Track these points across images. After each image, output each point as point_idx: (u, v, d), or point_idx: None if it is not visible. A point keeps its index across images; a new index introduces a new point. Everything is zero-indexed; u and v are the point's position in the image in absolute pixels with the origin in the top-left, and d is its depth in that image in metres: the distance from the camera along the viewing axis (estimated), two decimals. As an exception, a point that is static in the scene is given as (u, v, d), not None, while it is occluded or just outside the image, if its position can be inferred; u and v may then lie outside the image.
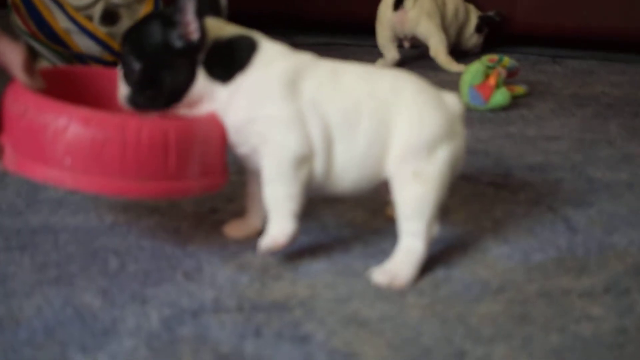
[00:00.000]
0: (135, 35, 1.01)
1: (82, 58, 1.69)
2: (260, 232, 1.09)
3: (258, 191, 1.08)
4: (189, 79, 1.00)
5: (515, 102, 1.87)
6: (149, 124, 0.95)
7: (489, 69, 1.82)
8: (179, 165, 0.96)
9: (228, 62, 1.00)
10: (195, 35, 0.98)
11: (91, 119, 0.93)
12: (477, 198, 1.25)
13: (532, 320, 0.90)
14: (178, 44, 0.98)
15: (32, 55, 1.71)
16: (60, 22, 1.67)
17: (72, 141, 0.93)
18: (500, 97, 1.79)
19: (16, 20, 1.71)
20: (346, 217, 1.17)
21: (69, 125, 0.93)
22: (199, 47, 0.99)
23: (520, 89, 1.92)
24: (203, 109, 1.02)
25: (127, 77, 1.02)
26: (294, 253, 1.05)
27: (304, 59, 1.03)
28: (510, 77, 1.88)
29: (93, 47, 1.68)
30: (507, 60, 1.87)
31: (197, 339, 0.85)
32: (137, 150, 0.93)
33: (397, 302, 0.93)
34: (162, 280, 0.97)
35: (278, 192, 1.00)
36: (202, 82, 1.00)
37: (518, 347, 0.84)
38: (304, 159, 0.99)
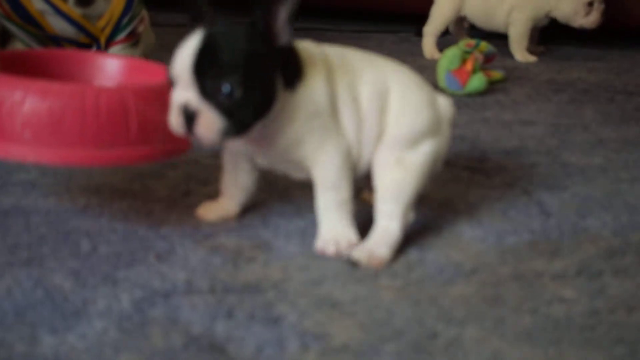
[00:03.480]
0: (225, 51, 0.91)
1: (56, 40, 1.67)
2: (234, 216, 1.09)
3: (236, 174, 1.08)
4: (275, 89, 0.94)
5: (492, 87, 1.87)
6: (107, 90, 0.94)
7: (466, 54, 1.82)
8: (140, 130, 0.95)
9: (293, 70, 0.96)
10: (285, 38, 0.93)
11: (48, 90, 0.92)
12: (452, 182, 1.25)
13: (504, 302, 0.90)
14: (284, 40, 0.93)
15: (6, 37, 1.69)
16: (35, 4, 1.65)
17: (29, 114, 0.92)
18: (477, 82, 1.79)
19: (-10, 1, 1.69)
20: (321, 200, 1.16)
21: (26, 98, 0.92)
22: (283, 50, 0.94)
23: (497, 74, 1.93)
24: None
25: (218, 102, 0.90)
26: (269, 236, 1.04)
27: (323, 52, 1.01)
28: (488, 62, 1.88)
29: (68, 28, 1.66)
30: (485, 46, 1.88)
31: (168, 320, 0.84)
32: (97, 117, 0.92)
33: (370, 284, 0.93)
34: (134, 262, 0.97)
35: (337, 197, 1.00)
36: (280, 91, 0.95)
37: (489, 329, 0.84)
38: (350, 155, 1.00)
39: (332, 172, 0.99)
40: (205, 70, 0.90)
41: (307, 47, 1.00)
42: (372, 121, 1.00)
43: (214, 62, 0.90)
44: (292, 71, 0.96)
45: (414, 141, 1.01)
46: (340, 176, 1.00)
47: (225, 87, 0.89)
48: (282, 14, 0.93)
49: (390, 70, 1.04)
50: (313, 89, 0.97)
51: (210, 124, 0.91)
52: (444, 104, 1.06)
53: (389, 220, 1.00)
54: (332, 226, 1.01)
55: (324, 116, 0.98)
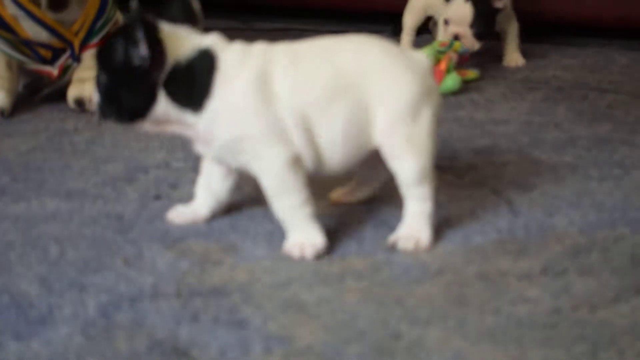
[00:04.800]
0: (105, 48, 1.01)
1: (30, 44, 1.67)
2: (204, 220, 1.09)
3: (209, 179, 1.08)
4: (148, 100, 0.98)
5: (466, 86, 1.87)
6: None
7: (440, 53, 1.82)
8: None
9: (192, 88, 0.99)
10: (144, 54, 0.95)
11: None
12: (422, 182, 1.26)
13: (468, 302, 0.91)
14: (137, 62, 0.96)
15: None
16: (8, 8, 1.65)
17: None
18: (451, 81, 1.80)
19: (-37, 6, 1.69)
20: (290, 202, 1.17)
21: None
22: (157, 68, 0.97)
23: (471, 74, 1.93)
24: (177, 132, 1.02)
25: (98, 87, 1.02)
26: (237, 239, 1.05)
27: (263, 58, 1.01)
28: (462, 62, 1.89)
29: (41, 33, 1.65)
30: (459, 45, 1.88)
31: (133, 325, 0.84)
32: None
33: (336, 286, 0.93)
34: (101, 268, 0.97)
35: (288, 203, 1.00)
36: (164, 104, 0.98)
37: (452, 328, 0.85)
38: (296, 161, 0.99)
39: (275, 181, 1.00)
40: (96, 60, 1.02)
41: (236, 58, 1.00)
42: (335, 121, 0.99)
43: (99, 55, 1.02)
44: (186, 90, 0.98)
45: (413, 112, 1.00)
46: (284, 184, 1.00)
47: (101, 77, 1.01)
48: (139, 35, 0.95)
49: (353, 54, 1.02)
50: (232, 108, 0.98)
51: (94, 96, 1.04)
52: (418, 57, 1.05)
53: (422, 202, 1.03)
54: (296, 230, 1.01)
55: (253, 130, 0.98)
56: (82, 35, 1.69)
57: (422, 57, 1.05)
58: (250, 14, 2.87)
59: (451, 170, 1.31)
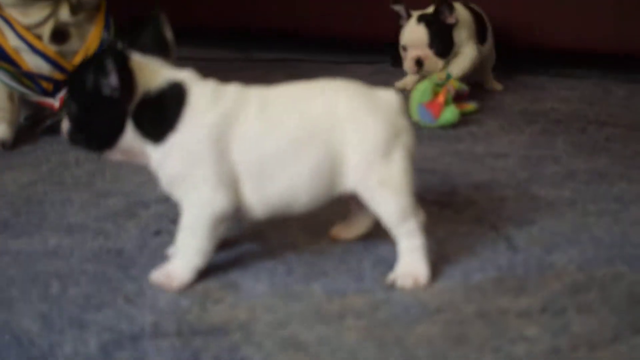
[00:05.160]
0: (75, 76, 1.02)
1: (32, 77, 1.68)
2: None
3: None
4: (117, 130, 0.99)
5: (465, 118, 1.89)
6: None
7: (438, 86, 1.84)
8: None
9: (158, 121, 0.99)
10: (113, 84, 0.96)
11: None
12: (421, 217, 1.26)
13: (467, 341, 0.91)
14: (107, 92, 0.97)
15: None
16: (10, 41, 1.66)
17: None
18: (449, 114, 1.81)
19: (-35, 38, 1.70)
20: (290, 239, 1.17)
21: None
22: (127, 99, 0.98)
23: (470, 107, 1.94)
24: (141, 162, 1.03)
25: (68, 114, 1.03)
26: (237, 276, 1.05)
27: (234, 100, 1.01)
28: (459, 99, 1.90)
29: (43, 65, 1.67)
30: (456, 84, 1.90)
31: (134, 364, 0.85)
32: None
33: (335, 325, 0.94)
34: (102, 305, 0.98)
35: (190, 243, 1.02)
36: (130, 135, 1.00)
37: (452, 369, 0.85)
38: (226, 217, 1.01)
39: (194, 222, 1.01)
40: (67, 88, 1.04)
41: (208, 96, 1.01)
42: (299, 168, 1.00)
43: (70, 83, 1.04)
44: (152, 122, 0.99)
45: (384, 154, 1.01)
46: (200, 230, 1.01)
47: (71, 105, 1.01)
48: (109, 66, 0.96)
49: (322, 101, 1.02)
50: (187, 146, 0.99)
51: (63, 123, 1.04)
52: (388, 97, 1.05)
53: (411, 238, 1.04)
54: (180, 260, 1.03)
55: (198, 172, 0.99)
56: (83, 67, 1.70)
57: (391, 96, 1.05)
58: (248, 44, 2.89)
59: (450, 206, 1.32)
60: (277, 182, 1.00)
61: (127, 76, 0.97)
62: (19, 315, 0.94)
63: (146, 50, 1.02)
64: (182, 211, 1.02)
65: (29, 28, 1.68)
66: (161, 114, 0.99)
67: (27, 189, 1.41)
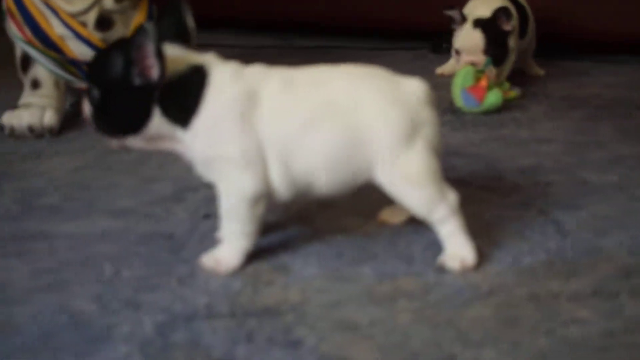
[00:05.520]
0: (99, 62, 1.01)
1: (77, 64, 1.70)
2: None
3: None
4: (145, 117, 0.99)
5: (508, 104, 1.88)
6: None
7: (479, 72, 1.83)
8: None
9: (183, 105, 0.99)
10: (155, 74, 0.96)
11: None
12: (468, 202, 1.26)
13: (520, 323, 0.91)
14: (137, 81, 0.97)
15: (27, 62, 1.72)
16: (56, 28, 1.68)
17: None
18: (493, 97, 1.81)
19: (11, 26, 1.73)
20: (339, 223, 1.18)
21: None
22: (158, 85, 0.98)
23: (513, 93, 1.93)
24: (169, 147, 1.04)
25: (90, 99, 1.02)
26: (287, 258, 1.06)
27: (255, 79, 1.01)
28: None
29: (88, 52, 1.69)
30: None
31: (190, 345, 0.86)
32: None
33: (388, 307, 0.94)
34: (156, 287, 0.99)
35: (234, 228, 1.02)
36: (157, 121, 1.00)
37: (506, 351, 0.85)
38: (260, 197, 1.01)
39: (231, 208, 1.01)
40: (89, 73, 1.03)
41: (228, 77, 1.00)
42: (319, 148, 0.99)
43: (92, 69, 1.02)
44: (178, 106, 0.99)
45: (403, 146, 0.99)
46: (238, 213, 1.01)
47: (94, 92, 1.00)
48: (150, 51, 0.96)
49: (345, 85, 1.01)
50: (213, 126, 0.99)
51: (85, 106, 1.03)
52: (413, 87, 1.03)
53: (446, 223, 1.03)
54: (226, 246, 1.04)
55: (227, 152, 0.99)
56: (128, 54, 1.72)
57: (416, 86, 1.03)
58: (289, 32, 2.90)
59: (497, 191, 1.32)
60: (299, 159, 1.00)
61: (162, 64, 0.97)
62: (75, 297, 0.96)
63: (167, 36, 1.02)
64: (218, 196, 1.03)
65: (73, 16, 1.70)
66: (185, 98, 0.99)
67: (75, 174, 1.43)
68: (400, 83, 1.03)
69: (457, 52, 1.99)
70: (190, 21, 1.05)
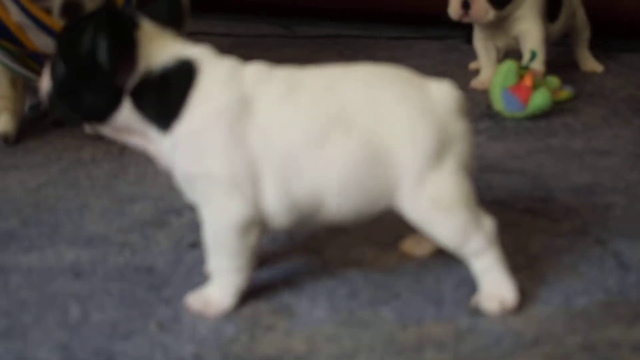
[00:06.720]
0: (72, 32, 1.02)
1: (38, 58, 1.71)
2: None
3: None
4: (110, 105, 1.00)
5: (559, 107, 1.88)
6: None
7: (522, 69, 1.84)
8: None
9: (161, 103, 1.00)
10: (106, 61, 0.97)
11: None
12: (509, 228, 1.26)
13: (573, 380, 0.91)
14: (102, 59, 0.97)
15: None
16: (13, 16, 1.69)
17: None
18: (540, 98, 1.80)
19: (-40, 13, 1.74)
20: (352, 253, 1.18)
21: None
22: (121, 74, 0.99)
23: (564, 93, 1.93)
24: (141, 145, 1.05)
25: (52, 74, 1.04)
26: (290, 297, 1.06)
27: (254, 81, 1.02)
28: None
29: (51, 44, 1.69)
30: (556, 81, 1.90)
31: (173, 405, 0.86)
32: None
33: (413, 358, 0.94)
34: (132, 333, 0.99)
35: (222, 263, 1.03)
36: (127, 113, 1.01)
37: (555, 414, 0.85)
38: (251, 225, 1.01)
39: (216, 238, 1.02)
40: (56, 45, 1.04)
41: (222, 77, 1.01)
42: (331, 165, 0.99)
43: (61, 41, 1.04)
44: (155, 105, 1.00)
45: (434, 167, 0.99)
46: (225, 245, 1.02)
47: (59, 67, 1.02)
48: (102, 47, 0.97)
49: (362, 93, 1.01)
50: (196, 137, 0.99)
51: (44, 81, 1.06)
52: (441, 94, 1.02)
53: (482, 256, 1.03)
54: (215, 285, 1.04)
55: (212, 171, 0.99)
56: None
57: (447, 91, 1.03)
58: (293, 18, 2.90)
59: (545, 215, 1.32)
60: (303, 179, 1.00)
61: (129, 46, 0.98)
62: (35, 346, 0.96)
63: (159, 18, 1.03)
64: (202, 223, 1.03)
65: (35, 1, 1.70)
66: (165, 95, 1.00)
67: (37, 194, 1.43)
68: (427, 88, 1.03)
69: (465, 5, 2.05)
70: (185, 1, 1.07)
